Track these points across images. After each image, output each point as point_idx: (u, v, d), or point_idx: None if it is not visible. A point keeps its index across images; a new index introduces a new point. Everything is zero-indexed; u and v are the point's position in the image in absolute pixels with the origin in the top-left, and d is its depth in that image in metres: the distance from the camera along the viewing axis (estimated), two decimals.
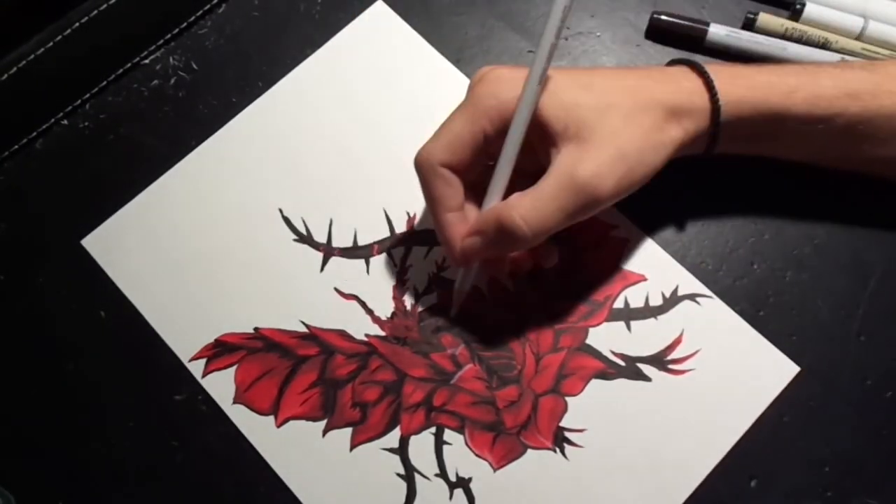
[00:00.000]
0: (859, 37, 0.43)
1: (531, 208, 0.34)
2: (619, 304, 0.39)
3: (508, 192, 0.35)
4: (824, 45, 0.43)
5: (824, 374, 0.38)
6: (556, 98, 0.34)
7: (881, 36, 0.43)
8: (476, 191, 0.36)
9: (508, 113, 0.34)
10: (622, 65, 0.44)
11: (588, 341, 0.39)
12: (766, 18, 0.43)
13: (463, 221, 0.36)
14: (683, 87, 0.36)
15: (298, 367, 0.39)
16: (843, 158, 0.38)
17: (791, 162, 0.39)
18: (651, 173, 0.35)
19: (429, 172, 0.35)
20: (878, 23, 0.43)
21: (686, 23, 0.43)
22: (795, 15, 0.44)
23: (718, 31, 0.43)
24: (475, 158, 0.35)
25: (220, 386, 0.39)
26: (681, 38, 0.44)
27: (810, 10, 0.43)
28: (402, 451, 0.38)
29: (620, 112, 0.34)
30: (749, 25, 0.44)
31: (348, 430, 0.38)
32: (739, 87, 0.35)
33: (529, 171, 0.35)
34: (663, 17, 0.44)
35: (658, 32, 0.44)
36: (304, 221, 0.41)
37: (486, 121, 0.34)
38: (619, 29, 0.45)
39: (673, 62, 0.39)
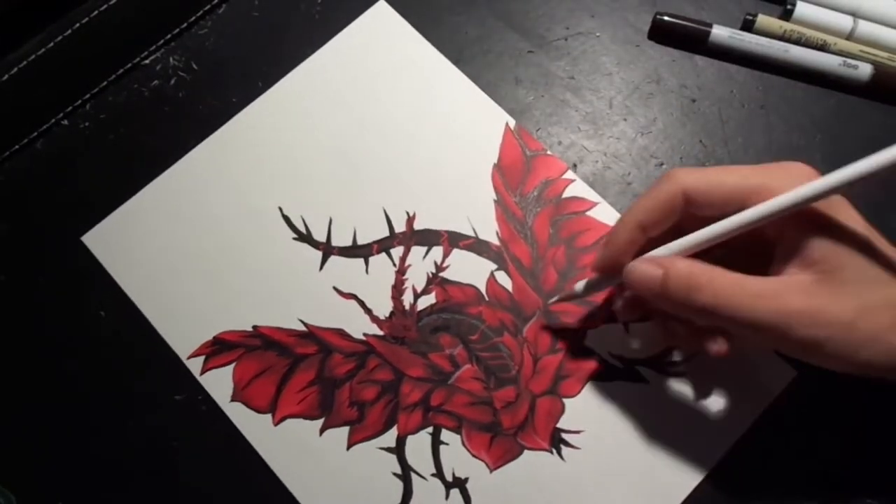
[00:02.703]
0: (849, 36, 0.43)
1: (729, 290, 0.30)
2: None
3: None
4: (822, 48, 0.43)
5: (823, 374, 0.38)
6: (836, 231, 0.30)
7: (871, 36, 0.43)
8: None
9: (764, 198, 0.30)
10: (622, 64, 0.44)
11: (586, 343, 0.39)
12: (764, 20, 0.43)
13: (639, 240, 0.33)
14: None
15: (296, 366, 0.39)
16: None
17: None
18: (858, 367, 0.30)
19: (667, 183, 0.32)
20: (869, 22, 0.43)
21: (689, 24, 0.43)
22: (786, 15, 0.43)
23: (721, 33, 0.43)
24: (712, 208, 0.32)
25: (219, 384, 0.39)
26: (683, 39, 0.44)
27: (801, 9, 0.43)
28: (398, 450, 0.38)
29: (883, 293, 0.29)
30: (748, 27, 0.43)
31: (345, 429, 0.38)
32: None
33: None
34: (666, 18, 0.44)
35: (661, 33, 0.44)
36: (303, 220, 0.41)
37: (749, 190, 0.31)
38: (619, 29, 0.45)
39: None
